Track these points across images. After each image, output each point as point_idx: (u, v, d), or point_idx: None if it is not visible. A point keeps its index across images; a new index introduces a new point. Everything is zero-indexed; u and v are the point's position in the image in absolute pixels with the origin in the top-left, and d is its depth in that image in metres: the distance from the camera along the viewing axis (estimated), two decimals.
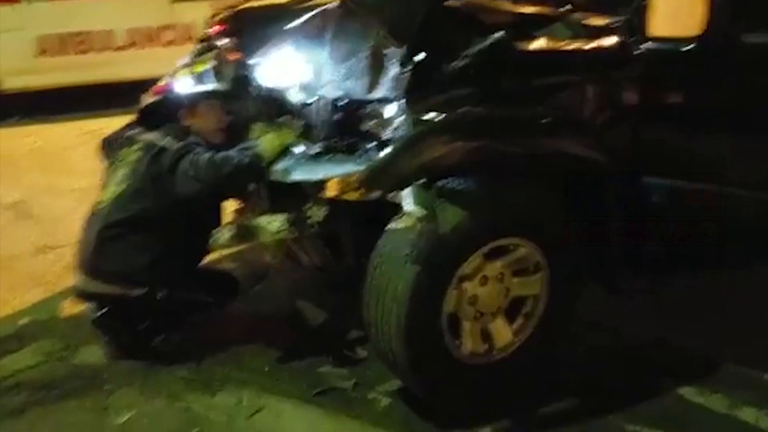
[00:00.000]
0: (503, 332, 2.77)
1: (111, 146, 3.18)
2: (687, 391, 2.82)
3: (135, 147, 3.02)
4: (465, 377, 2.71)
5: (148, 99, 3.17)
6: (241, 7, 3.65)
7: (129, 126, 3.18)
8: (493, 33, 2.56)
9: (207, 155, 2.87)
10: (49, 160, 5.68)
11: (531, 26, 2.75)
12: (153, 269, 2.88)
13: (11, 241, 4.32)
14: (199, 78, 3.06)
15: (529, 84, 2.58)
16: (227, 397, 2.79)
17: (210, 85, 3.06)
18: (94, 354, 3.07)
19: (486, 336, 2.75)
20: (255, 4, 3.70)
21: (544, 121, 2.56)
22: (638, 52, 2.64)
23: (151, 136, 3.02)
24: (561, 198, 2.68)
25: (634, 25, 2.63)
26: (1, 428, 2.65)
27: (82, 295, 3.05)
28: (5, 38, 6.19)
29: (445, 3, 2.88)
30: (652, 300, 3.09)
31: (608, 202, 2.71)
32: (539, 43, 2.65)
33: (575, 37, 2.70)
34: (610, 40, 2.67)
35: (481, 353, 2.74)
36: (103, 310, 3.02)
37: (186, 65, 3.16)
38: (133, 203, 2.92)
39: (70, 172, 5.39)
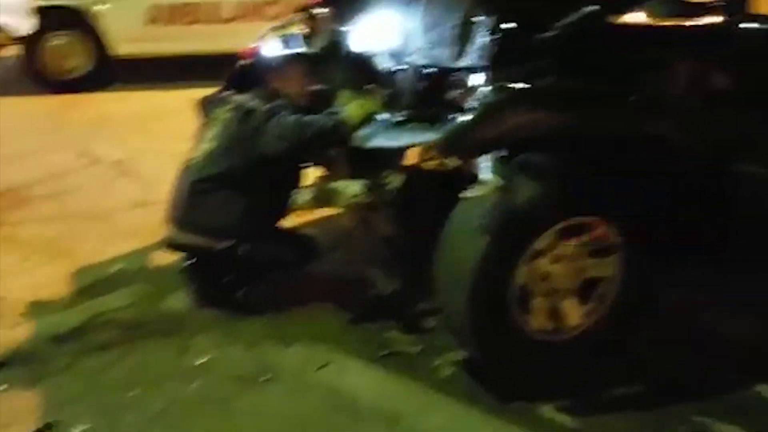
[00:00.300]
0: (573, 312, 2.76)
1: (207, 106, 3.34)
2: (762, 388, 2.73)
3: (226, 107, 3.16)
4: (530, 352, 2.71)
5: (239, 64, 3.30)
6: None
7: (224, 88, 3.33)
8: (587, 5, 2.54)
9: (293, 117, 2.97)
10: (152, 124, 5.97)
11: (626, 1, 2.70)
12: (237, 224, 3.02)
13: (112, 196, 4.60)
14: (287, 42, 3.16)
15: (619, 60, 2.53)
16: (299, 350, 2.91)
17: (298, 49, 3.16)
18: (179, 300, 3.26)
19: (555, 314, 2.74)
20: None
21: (630, 99, 2.52)
22: (738, 31, 2.55)
23: (242, 98, 3.15)
24: (642, 179, 2.63)
25: (736, 3, 2.54)
26: (91, 359, 2.85)
27: (172, 245, 3.23)
28: (119, 6, 6.53)
29: None
30: (725, 291, 3.00)
31: (691, 187, 2.64)
32: (633, 18, 2.60)
33: (672, 13, 2.63)
34: (709, 19, 2.60)
35: (549, 330, 2.74)
36: (191, 261, 3.21)
37: (275, 29, 3.27)
38: (222, 160, 3.06)
39: (170, 135, 5.63)
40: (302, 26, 3.32)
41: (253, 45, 3.26)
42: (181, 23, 6.70)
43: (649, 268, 2.77)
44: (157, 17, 6.66)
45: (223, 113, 3.15)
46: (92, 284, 3.45)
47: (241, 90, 3.21)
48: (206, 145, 3.14)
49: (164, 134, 5.70)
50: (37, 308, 3.24)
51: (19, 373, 2.76)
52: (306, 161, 3.27)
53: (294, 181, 3.19)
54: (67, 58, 6.64)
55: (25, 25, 6.18)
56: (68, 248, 3.86)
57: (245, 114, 3.05)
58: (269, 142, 2.96)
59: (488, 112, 2.44)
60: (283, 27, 3.29)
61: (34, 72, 6.62)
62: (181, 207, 3.14)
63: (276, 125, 2.97)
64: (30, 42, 6.39)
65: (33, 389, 2.67)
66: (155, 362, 2.83)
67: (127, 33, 6.62)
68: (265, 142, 2.97)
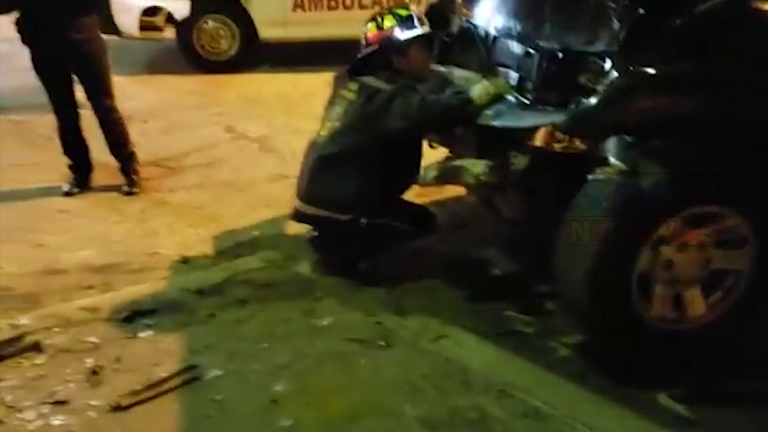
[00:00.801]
0: (697, 303, 2.71)
1: (338, 83, 3.49)
2: None
3: (351, 87, 3.28)
4: (648, 340, 2.69)
5: (365, 49, 3.37)
6: None
7: (352, 68, 3.44)
8: None
9: (418, 96, 3.08)
10: (295, 104, 6.28)
11: None
12: (359, 198, 3.17)
13: (254, 169, 4.91)
14: (406, 23, 3.24)
15: (755, 46, 2.45)
16: (415, 320, 3.02)
17: (418, 30, 3.25)
18: (308, 266, 3.47)
19: (678, 303, 2.70)
20: None
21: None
22: None
23: (367, 79, 3.27)
24: None
25: None
26: (228, 312, 3.11)
27: (298, 216, 3.44)
28: None
29: None
30: None
31: None
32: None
33: None
34: None
35: (670, 319, 2.70)
36: (316, 232, 3.40)
37: (389, 11, 3.33)
38: (345, 138, 3.20)
39: (311, 115, 5.85)
40: (414, 7, 3.42)
41: (373, 32, 3.32)
42: (323, 9, 6.98)
43: None
44: (302, 3, 6.96)
45: (348, 93, 3.28)
46: (232, 247, 3.73)
47: (367, 71, 3.32)
48: (331, 124, 3.29)
49: (305, 113, 5.97)
50: (185, 265, 3.57)
51: (167, 320, 3.05)
52: (430, 138, 3.36)
53: (416, 158, 3.29)
54: (218, 40, 7.09)
55: (183, 9, 6.65)
56: (213, 213, 4.19)
57: (370, 94, 3.17)
58: (394, 119, 3.08)
59: (616, 95, 2.45)
60: (397, 7, 3.36)
61: (188, 52, 7.12)
62: (307, 181, 3.33)
63: (401, 104, 3.08)
64: (185, 25, 6.87)
65: (178, 335, 2.94)
66: (283, 320, 3.04)
67: (274, 18, 6.98)
68: (390, 119, 3.08)
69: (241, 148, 5.30)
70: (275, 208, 4.24)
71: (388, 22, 3.26)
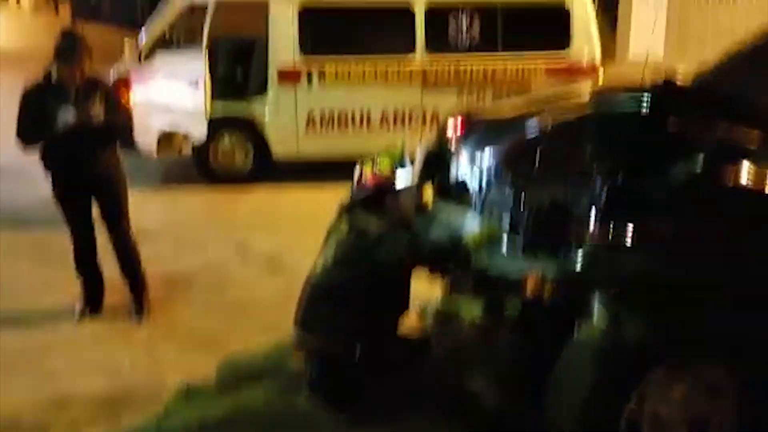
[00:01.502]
0: None
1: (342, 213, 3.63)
2: None
3: (344, 223, 3.45)
4: None
5: (362, 191, 3.57)
6: (475, 114, 4.02)
7: (350, 206, 3.59)
8: (703, 153, 2.65)
9: (409, 235, 3.27)
10: (305, 221, 6.41)
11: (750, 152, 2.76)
12: (352, 329, 3.28)
13: (261, 290, 5.04)
14: (400, 163, 3.50)
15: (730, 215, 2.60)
16: None
17: (409, 175, 3.47)
18: (308, 399, 3.53)
19: None
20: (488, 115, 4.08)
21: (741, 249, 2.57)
22: None
23: (358, 217, 3.42)
24: (755, 320, 2.63)
25: None
26: None
27: (298, 346, 3.54)
28: (281, 115, 7.25)
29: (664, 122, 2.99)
30: None
31: None
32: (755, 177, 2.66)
33: None
34: None
35: None
36: (313, 361, 3.48)
37: (384, 153, 3.57)
38: (337, 271, 3.35)
39: (320, 234, 6.09)
40: (404, 147, 3.65)
41: (369, 173, 3.54)
42: (334, 130, 7.30)
43: (765, 409, 2.72)
44: (314, 125, 7.29)
45: (341, 229, 3.45)
46: (236, 376, 3.82)
47: (359, 207, 3.48)
48: (324, 258, 3.45)
49: (314, 231, 6.08)
50: (189, 395, 3.64)
51: None
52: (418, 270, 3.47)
53: (407, 290, 3.42)
54: (232, 158, 7.41)
55: (201, 132, 6.99)
56: (219, 338, 4.30)
57: (360, 231, 3.34)
58: (386, 254, 3.23)
59: (600, 252, 2.59)
60: (390, 150, 3.59)
61: (203, 169, 7.42)
62: (303, 311, 3.46)
63: (392, 242, 3.25)
64: (202, 144, 7.19)
65: None
66: None
67: (287, 137, 7.31)
68: (381, 255, 3.24)
69: (250, 267, 5.46)
70: (280, 333, 4.33)
71: (384, 164, 3.47)
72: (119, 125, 4.51)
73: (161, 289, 4.98)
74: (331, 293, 3.35)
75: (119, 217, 4.61)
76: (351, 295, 3.29)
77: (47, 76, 4.33)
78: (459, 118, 3.86)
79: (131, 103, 7.14)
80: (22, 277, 5.18)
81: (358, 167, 3.59)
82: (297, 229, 6.24)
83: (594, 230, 2.70)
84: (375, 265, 3.26)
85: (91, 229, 4.59)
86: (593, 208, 2.71)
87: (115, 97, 4.56)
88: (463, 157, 3.57)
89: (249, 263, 5.54)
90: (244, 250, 5.77)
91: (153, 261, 5.50)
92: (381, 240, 3.28)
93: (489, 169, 3.41)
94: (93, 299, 4.65)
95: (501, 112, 4.06)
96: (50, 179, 4.46)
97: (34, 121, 4.23)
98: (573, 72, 7.35)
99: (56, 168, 4.40)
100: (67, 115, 4.17)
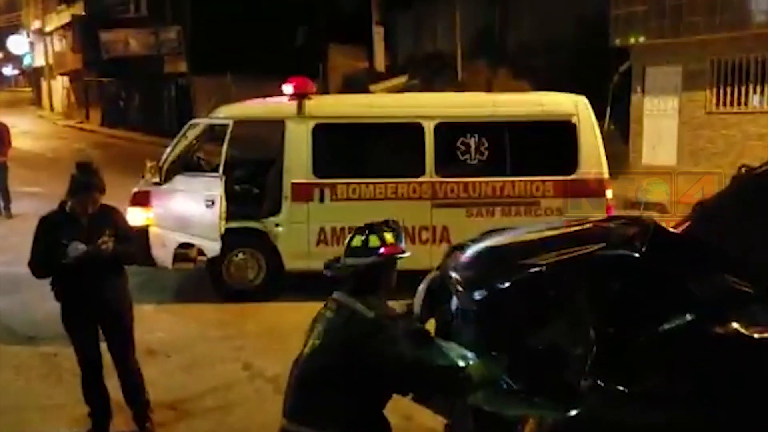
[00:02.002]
0: None
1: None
2: None
3: (330, 305, 3.22)
4: None
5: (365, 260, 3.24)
6: (476, 246, 4.08)
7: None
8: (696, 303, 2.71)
9: (409, 346, 3.00)
10: None
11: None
12: (340, 414, 3.10)
13: (266, 414, 4.94)
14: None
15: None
16: None
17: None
18: None
19: None
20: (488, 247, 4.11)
21: None
22: None
23: (343, 298, 3.18)
24: None
25: None
26: None
27: None
28: (294, 228, 7.41)
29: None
30: None
31: None
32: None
33: None
34: None
35: None
36: None
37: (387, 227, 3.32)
38: (325, 357, 3.11)
39: None
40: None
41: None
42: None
43: None
44: (325, 239, 7.43)
45: (327, 311, 3.24)
46: None
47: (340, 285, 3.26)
48: (311, 342, 3.23)
49: None
50: None
51: None
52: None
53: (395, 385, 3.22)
54: (245, 271, 7.53)
55: (215, 247, 7.15)
56: None
57: (349, 317, 3.10)
58: (378, 354, 3.01)
59: (597, 408, 2.61)
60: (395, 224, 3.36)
61: (216, 282, 7.53)
62: (291, 398, 3.27)
63: (387, 343, 3.00)
64: (216, 258, 7.33)
65: None
66: None
67: (299, 251, 7.43)
68: (371, 351, 3.01)
69: (257, 389, 5.45)
70: None
71: (390, 237, 3.21)
72: (129, 254, 4.65)
73: (167, 414, 4.99)
74: (319, 379, 3.13)
75: (125, 344, 4.68)
76: (340, 380, 3.07)
77: (62, 206, 4.49)
78: (459, 251, 3.94)
79: (150, 218, 7.40)
80: (32, 397, 5.21)
81: (360, 237, 3.27)
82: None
83: (590, 381, 2.72)
84: (371, 363, 3.03)
85: (99, 358, 4.63)
86: (588, 358, 2.74)
87: (125, 226, 4.71)
88: (463, 292, 3.62)
89: (255, 385, 5.54)
90: (252, 369, 5.78)
91: (161, 381, 5.55)
92: (375, 336, 3.02)
93: (488, 308, 3.45)
94: (100, 424, 4.64)
95: (502, 244, 4.13)
96: (60, 307, 4.56)
97: (46, 253, 4.37)
98: (581, 190, 7.47)
99: (65, 298, 4.52)
100: (76, 249, 4.29)
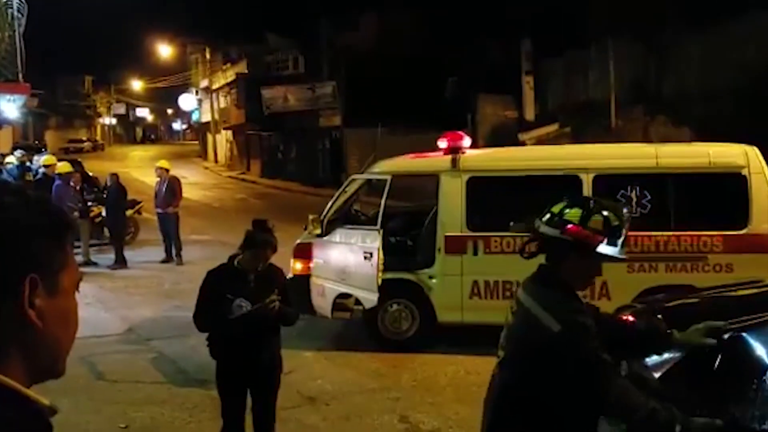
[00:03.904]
0: None
1: None
2: None
3: (513, 305, 2.82)
4: None
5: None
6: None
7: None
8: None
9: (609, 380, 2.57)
10: (467, 392, 6.46)
11: None
12: None
13: None
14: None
15: None
16: None
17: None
18: None
19: None
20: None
21: None
22: None
23: (525, 297, 2.75)
24: None
25: None
26: None
27: None
28: (448, 281, 7.47)
29: None
30: None
31: None
32: None
33: None
34: None
35: None
36: None
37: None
38: (506, 374, 2.74)
39: (481, 406, 6.06)
40: None
41: None
42: (498, 298, 7.37)
43: None
44: (478, 292, 7.43)
45: (511, 314, 2.84)
46: None
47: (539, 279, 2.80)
48: (500, 352, 2.87)
49: (477, 405, 6.07)
50: None
51: None
52: None
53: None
54: (400, 322, 7.66)
55: (372, 298, 7.34)
56: None
57: (533, 324, 2.66)
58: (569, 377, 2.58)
59: None
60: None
61: (373, 333, 7.71)
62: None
63: (599, 376, 2.56)
64: (373, 308, 7.51)
65: None
66: None
67: (453, 303, 7.48)
68: (558, 372, 2.60)
69: None
70: None
71: (599, 221, 2.67)
72: (291, 316, 4.66)
73: None
74: (508, 397, 2.71)
75: (272, 405, 4.63)
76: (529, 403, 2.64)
77: (231, 261, 4.55)
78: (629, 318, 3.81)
79: (312, 269, 7.74)
80: None
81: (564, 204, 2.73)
82: (460, 402, 6.24)
83: None
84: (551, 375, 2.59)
85: (244, 417, 4.59)
86: None
87: (286, 286, 4.68)
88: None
89: None
90: (408, 422, 5.83)
91: (321, 428, 5.73)
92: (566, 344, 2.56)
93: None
94: None
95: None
96: (216, 364, 4.58)
97: (212, 307, 4.39)
98: (753, 245, 7.01)
99: (223, 355, 4.52)
100: (240, 307, 4.32)
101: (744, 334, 3.13)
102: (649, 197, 7.22)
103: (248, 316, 4.35)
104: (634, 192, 7.24)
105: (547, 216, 2.72)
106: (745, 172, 7.15)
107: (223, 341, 4.50)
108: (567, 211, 2.68)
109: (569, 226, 2.63)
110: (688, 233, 7.12)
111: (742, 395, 2.96)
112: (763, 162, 7.28)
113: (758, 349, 3.08)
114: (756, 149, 7.30)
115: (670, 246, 7.10)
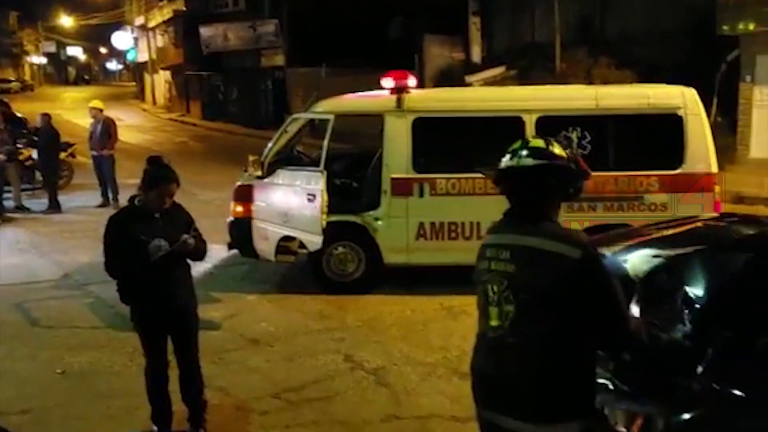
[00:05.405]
0: None
1: None
2: None
3: (500, 254, 2.67)
4: None
5: None
6: None
7: None
8: None
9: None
10: (412, 331, 6.55)
11: None
12: None
13: (368, 406, 5.10)
14: None
15: None
16: None
17: None
18: None
19: None
20: None
21: None
22: None
23: (522, 239, 2.63)
24: None
25: None
26: None
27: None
28: (393, 223, 7.45)
29: None
30: None
31: None
32: None
33: None
34: None
35: None
36: None
37: None
38: (538, 319, 2.57)
39: (427, 345, 6.18)
40: None
41: None
42: (444, 239, 7.41)
43: None
44: (424, 233, 7.44)
45: (504, 264, 2.68)
46: None
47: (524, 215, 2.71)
48: (498, 310, 2.68)
49: (421, 343, 6.23)
50: None
51: None
52: None
53: None
54: (345, 264, 7.62)
55: (316, 241, 7.27)
56: None
57: (555, 263, 2.56)
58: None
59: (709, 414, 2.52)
60: None
61: (317, 274, 7.67)
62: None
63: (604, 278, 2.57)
64: (317, 251, 7.45)
65: None
66: None
67: (399, 245, 7.48)
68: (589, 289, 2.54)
69: (358, 381, 5.53)
70: None
71: (560, 150, 2.72)
72: (203, 251, 4.54)
73: (271, 403, 5.13)
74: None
75: (195, 343, 4.61)
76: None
77: (132, 202, 4.43)
78: None
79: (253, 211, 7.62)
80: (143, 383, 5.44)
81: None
82: (403, 339, 6.33)
83: (704, 384, 2.62)
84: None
85: (166, 356, 4.55)
86: (702, 365, 2.65)
87: (194, 224, 4.53)
88: None
89: (356, 376, 5.60)
90: (353, 361, 5.86)
91: (265, 370, 5.73)
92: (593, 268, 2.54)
93: None
94: (164, 426, 4.57)
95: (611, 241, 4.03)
96: (133, 308, 4.48)
97: (126, 252, 4.25)
98: (687, 185, 7.19)
99: (142, 298, 4.41)
100: (159, 247, 4.21)
101: (670, 264, 3.23)
102: (590, 138, 7.29)
103: (167, 256, 4.25)
104: (575, 133, 7.29)
105: (524, 152, 2.68)
106: (681, 113, 7.28)
107: (139, 284, 4.36)
108: (550, 145, 2.68)
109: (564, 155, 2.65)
110: (625, 173, 7.24)
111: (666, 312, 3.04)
112: (700, 103, 7.42)
113: (682, 276, 3.17)
114: (693, 91, 7.42)
115: (609, 186, 7.21)
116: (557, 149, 2.68)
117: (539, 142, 2.71)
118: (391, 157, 7.44)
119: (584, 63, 16.69)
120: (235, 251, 8.08)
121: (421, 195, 7.39)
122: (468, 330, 2.90)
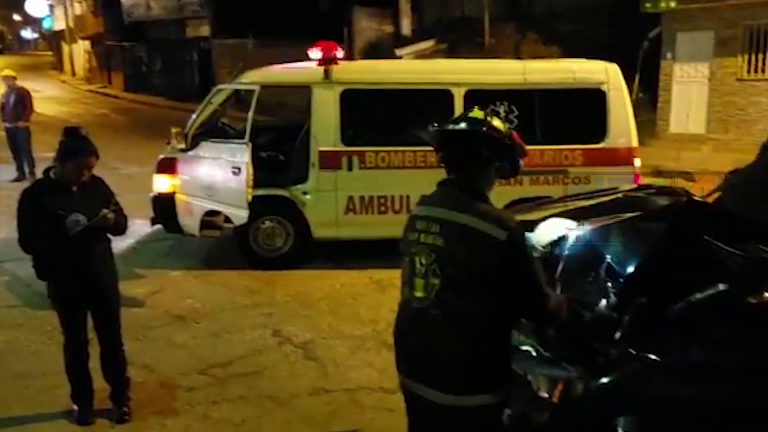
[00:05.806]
0: None
1: None
2: None
3: (429, 227, 2.68)
4: None
5: None
6: None
7: None
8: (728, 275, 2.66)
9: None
10: (341, 305, 6.53)
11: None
12: None
13: (296, 380, 5.07)
14: None
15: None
16: None
17: None
18: None
19: None
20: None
21: None
22: None
23: (450, 214, 2.65)
24: None
25: None
26: None
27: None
28: (322, 197, 7.38)
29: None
30: None
31: None
32: None
33: None
34: None
35: None
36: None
37: None
38: (463, 293, 2.60)
39: (355, 318, 6.17)
40: None
41: None
42: (374, 213, 7.39)
43: None
44: (353, 207, 7.40)
45: (432, 237, 2.69)
46: None
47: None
48: (424, 282, 2.70)
49: (350, 316, 6.22)
50: None
51: None
52: None
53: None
54: (273, 239, 7.52)
55: (242, 215, 7.13)
56: None
57: (479, 240, 2.60)
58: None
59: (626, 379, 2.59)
60: None
61: (244, 249, 7.54)
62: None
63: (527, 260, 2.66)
64: (244, 225, 7.32)
65: None
66: None
67: (327, 219, 7.42)
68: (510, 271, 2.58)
69: (286, 355, 5.49)
70: (313, 427, 4.37)
71: (500, 123, 2.78)
72: (123, 225, 4.42)
73: (198, 379, 5.04)
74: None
75: (116, 320, 4.51)
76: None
77: (47, 175, 4.25)
78: None
79: (176, 185, 7.41)
80: (62, 363, 5.27)
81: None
82: (332, 313, 6.31)
83: (621, 350, 2.70)
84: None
85: (86, 333, 4.44)
86: (619, 327, 2.73)
87: (114, 198, 4.39)
88: None
89: (284, 350, 5.56)
90: (281, 336, 5.81)
91: (191, 346, 5.62)
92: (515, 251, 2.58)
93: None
94: (85, 404, 4.48)
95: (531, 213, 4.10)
96: (50, 285, 4.33)
97: (41, 227, 4.10)
98: (609, 159, 7.39)
99: (58, 274, 4.25)
100: (77, 222, 4.07)
101: (589, 233, 3.31)
102: (517, 112, 7.37)
103: (85, 231, 4.10)
104: (503, 107, 7.35)
105: (462, 119, 2.73)
106: (605, 88, 7.44)
107: (56, 260, 4.20)
108: (489, 117, 2.71)
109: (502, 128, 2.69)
110: (551, 147, 7.37)
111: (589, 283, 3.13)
112: (622, 79, 7.61)
113: (599, 245, 3.24)
114: (616, 66, 7.59)
115: (535, 159, 7.31)
116: (496, 122, 2.73)
117: (479, 113, 2.75)
118: (319, 129, 7.34)
119: (512, 38, 16.87)
120: (158, 226, 7.87)
121: (350, 168, 7.33)
122: (397, 303, 2.89)
